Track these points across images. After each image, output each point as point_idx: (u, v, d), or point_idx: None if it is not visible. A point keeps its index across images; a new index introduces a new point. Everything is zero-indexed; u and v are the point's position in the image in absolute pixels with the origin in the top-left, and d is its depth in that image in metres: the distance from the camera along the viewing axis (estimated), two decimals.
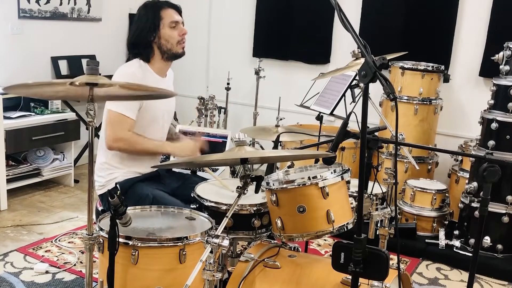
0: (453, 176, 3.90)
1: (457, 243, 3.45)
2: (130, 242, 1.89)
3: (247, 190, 1.90)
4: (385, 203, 2.38)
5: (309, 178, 2.00)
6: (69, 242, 3.39)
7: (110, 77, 2.54)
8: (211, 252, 1.68)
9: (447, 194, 3.68)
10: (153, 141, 2.63)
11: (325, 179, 2.00)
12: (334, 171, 2.07)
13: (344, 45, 4.53)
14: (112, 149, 2.55)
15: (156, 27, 2.59)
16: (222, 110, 4.82)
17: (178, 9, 2.69)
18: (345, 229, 2.05)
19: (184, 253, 1.91)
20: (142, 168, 2.65)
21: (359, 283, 1.67)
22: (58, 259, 3.14)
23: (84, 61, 4.61)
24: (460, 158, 3.90)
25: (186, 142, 2.75)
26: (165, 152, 2.74)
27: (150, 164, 2.66)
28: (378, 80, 1.52)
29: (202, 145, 2.73)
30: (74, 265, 3.08)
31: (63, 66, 4.66)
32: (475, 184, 3.34)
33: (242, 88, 4.99)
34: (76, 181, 4.47)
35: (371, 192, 2.19)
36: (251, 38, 5.03)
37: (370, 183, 2.27)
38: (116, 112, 2.49)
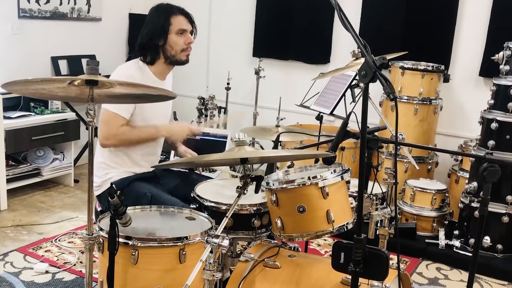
0: (453, 176, 3.90)
1: (457, 243, 3.45)
2: (130, 242, 1.89)
3: (247, 190, 1.90)
4: (385, 203, 2.38)
5: (309, 178, 2.00)
6: (69, 242, 3.39)
7: (109, 77, 2.55)
8: (211, 252, 1.68)
9: (447, 194, 3.68)
10: (146, 129, 2.61)
11: (325, 179, 2.00)
12: (334, 171, 2.07)
13: (344, 45, 4.53)
14: (105, 146, 2.57)
15: (164, 32, 2.60)
16: (222, 110, 4.82)
17: (189, 17, 2.69)
18: (345, 229, 2.05)
19: (184, 253, 1.91)
20: (139, 168, 2.65)
21: (359, 283, 1.67)
22: (58, 259, 3.14)
23: (84, 61, 4.61)
24: (460, 158, 3.90)
25: (179, 124, 2.75)
26: (161, 136, 2.73)
27: (148, 164, 2.67)
28: (378, 80, 1.51)
29: (196, 130, 2.74)
30: (74, 265, 3.08)
31: (63, 66, 4.66)
32: (475, 184, 3.34)
33: (242, 88, 4.99)
34: (76, 181, 4.48)
35: (371, 192, 2.19)
36: (251, 38, 5.03)
37: (370, 183, 2.27)
38: (109, 111, 2.50)
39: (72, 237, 3.47)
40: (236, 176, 3.33)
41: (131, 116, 2.55)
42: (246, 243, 2.66)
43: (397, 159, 3.88)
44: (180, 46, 2.63)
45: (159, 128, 2.68)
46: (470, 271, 2.22)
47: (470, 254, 3.30)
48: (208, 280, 1.69)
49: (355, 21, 4.42)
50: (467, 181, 3.54)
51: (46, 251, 3.25)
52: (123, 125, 2.53)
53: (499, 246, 3.33)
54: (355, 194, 2.06)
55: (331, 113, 3.04)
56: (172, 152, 3.66)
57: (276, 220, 2.08)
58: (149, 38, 2.62)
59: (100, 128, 2.54)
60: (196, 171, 3.03)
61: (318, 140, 3.03)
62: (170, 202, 2.42)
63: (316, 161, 2.35)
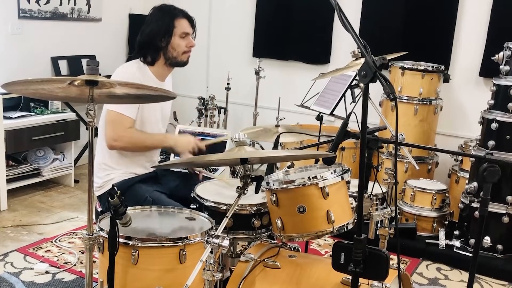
0: (453, 176, 3.89)
1: (457, 243, 3.45)
2: (130, 242, 1.89)
3: (247, 190, 1.90)
4: (385, 203, 2.38)
5: (309, 178, 2.00)
6: (69, 242, 3.38)
7: (110, 77, 2.54)
8: (211, 252, 1.68)
9: (447, 194, 3.68)
10: (154, 136, 2.64)
11: (325, 179, 2.00)
12: (334, 171, 2.07)
13: (344, 45, 4.53)
14: (114, 148, 2.55)
15: (168, 33, 2.61)
16: (222, 110, 4.82)
17: (191, 21, 2.70)
18: (345, 229, 2.05)
19: (184, 253, 1.91)
20: (140, 169, 2.65)
21: (359, 283, 1.67)
22: (58, 259, 3.14)
23: (84, 61, 4.61)
24: (460, 158, 3.90)
25: (186, 136, 2.73)
26: (167, 146, 2.73)
27: (148, 165, 2.67)
28: (378, 80, 1.52)
29: (201, 145, 2.73)
30: (74, 265, 3.08)
31: (63, 66, 4.66)
32: (475, 184, 3.34)
33: (242, 88, 4.99)
34: (76, 181, 4.47)
35: (371, 192, 2.19)
36: (251, 38, 5.03)
37: (370, 183, 2.26)
38: (115, 112, 2.50)
39: (72, 237, 3.47)
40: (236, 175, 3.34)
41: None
42: (246, 243, 2.66)
43: (397, 159, 3.88)
44: (182, 49, 2.65)
45: (167, 137, 2.70)
46: (470, 271, 2.22)
47: (470, 254, 3.30)
48: (208, 280, 1.69)
49: (355, 21, 4.42)
50: (467, 181, 3.54)
51: (46, 251, 3.25)
52: (130, 127, 2.53)
53: (499, 246, 3.33)
54: (355, 194, 2.06)
55: (331, 113, 3.04)
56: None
57: (276, 220, 2.08)
58: (151, 37, 2.61)
59: (107, 129, 2.53)
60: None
61: (318, 140, 3.03)
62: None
63: (316, 161, 2.35)
